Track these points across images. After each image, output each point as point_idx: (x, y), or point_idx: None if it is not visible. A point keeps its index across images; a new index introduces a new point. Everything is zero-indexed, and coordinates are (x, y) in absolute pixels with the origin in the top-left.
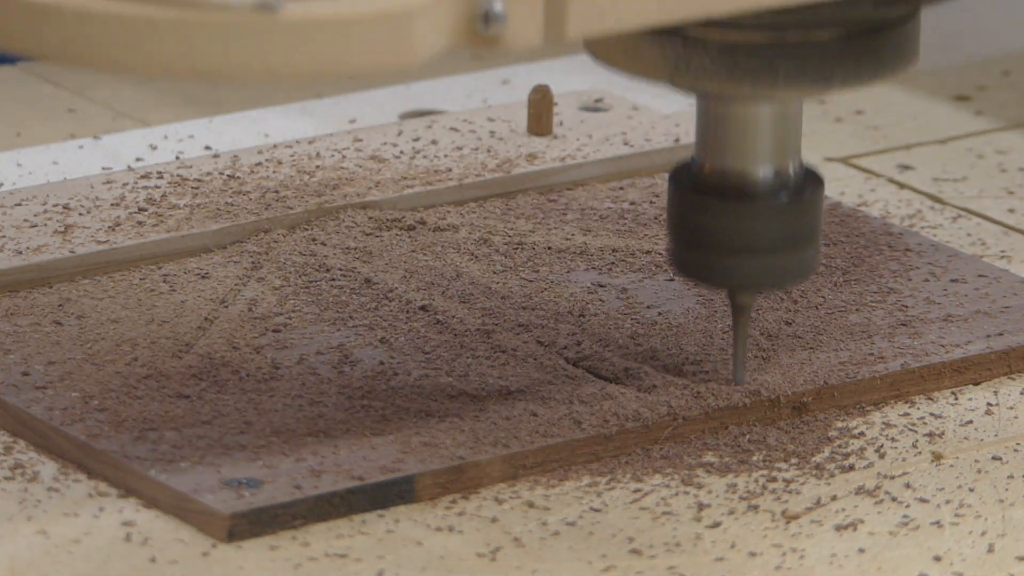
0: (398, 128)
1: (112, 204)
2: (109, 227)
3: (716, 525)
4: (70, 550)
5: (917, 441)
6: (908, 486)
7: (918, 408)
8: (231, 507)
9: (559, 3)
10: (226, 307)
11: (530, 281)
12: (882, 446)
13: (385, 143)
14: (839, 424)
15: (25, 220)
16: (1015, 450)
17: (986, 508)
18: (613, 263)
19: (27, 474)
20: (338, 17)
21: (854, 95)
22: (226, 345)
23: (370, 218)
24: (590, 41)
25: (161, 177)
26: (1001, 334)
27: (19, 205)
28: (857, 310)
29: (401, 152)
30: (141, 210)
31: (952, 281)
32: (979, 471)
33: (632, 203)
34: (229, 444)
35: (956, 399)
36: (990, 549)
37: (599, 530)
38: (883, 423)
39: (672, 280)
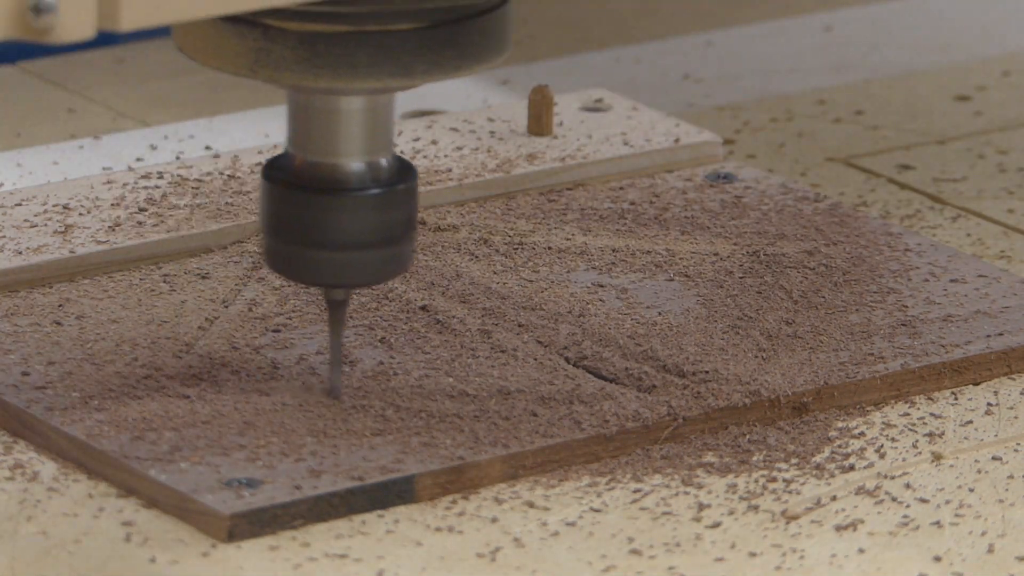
0: (398, 128)
1: (112, 204)
2: (109, 227)
3: (716, 525)
4: (70, 550)
5: (917, 441)
6: (908, 486)
7: (918, 408)
8: (231, 507)
9: None
10: (226, 307)
11: (530, 281)
12: (882, 446)
13: None
14: (839, 424)
15: (25, 220)
16: (1015, 450)
17: (986, 508)
18: (613, 263)
19: (27, 474)
20: None
21: (854, 95)
22: (226, 345)
23: None
24: (177, 35)
25: (161, 177)
26: (1001, 334)
27: (19, 205)
28: (857, 310)
29: (401, 152)
30: (141, 210)
31: (952, 281)
32: (979, 471)
33: (632, 203)
34: (229, 444)
35: (956, 399)
36: (990, 549)
37: (599, 530)
38: (883, 423)
39: (672, 280)
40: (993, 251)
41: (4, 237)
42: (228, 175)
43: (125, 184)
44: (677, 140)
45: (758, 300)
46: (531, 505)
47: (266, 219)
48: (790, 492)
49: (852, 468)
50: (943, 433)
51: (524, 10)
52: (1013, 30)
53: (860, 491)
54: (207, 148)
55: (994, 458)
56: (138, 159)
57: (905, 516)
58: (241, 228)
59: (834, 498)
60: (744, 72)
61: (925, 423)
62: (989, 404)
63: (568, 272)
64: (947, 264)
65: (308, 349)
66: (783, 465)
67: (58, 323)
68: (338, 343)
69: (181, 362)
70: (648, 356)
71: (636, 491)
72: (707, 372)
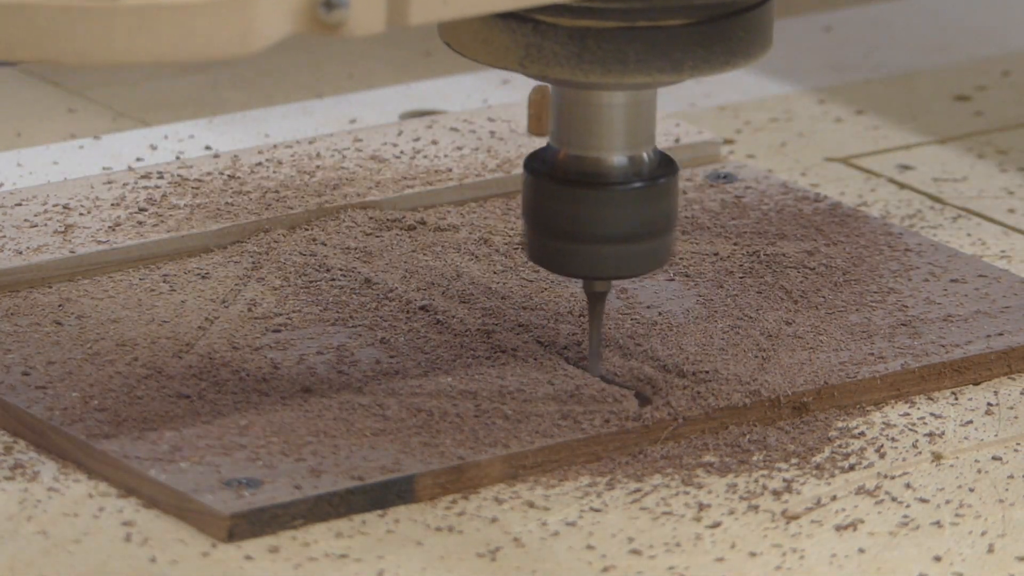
0: (398, 128)
1: (112, 204)
2: (109, 227)
3: (716, 525)
4: (70, 550)
5: (917, 441)
6: (908, 486)
7: (918, 408)
8: (231, 507)
9: None
10: (226, 307)
11: (530, 281)
12: (882, 446)
13: (385, 143)
14: (839, 424)
15: (25, 220)
16: (1015, 450)
17: (986, 508)
18: None
19: (27, 474)
20: (179, 2)
21: (854, 95)
22: (226, 345)
23: (370, 218)
24: (444, 29)
25: (161, 177)
26: (1001, 334)
27: (19, 205)
28: (857, 310)
29: (401, 152)
30: (141, 210)
31: (952, 281)
32: (979, 471)
33: None
34: (229, 444)
35: (956, 399)
36: (990, 549)
37: (599, 530)
38: (883, 423)
39: (672, 280)
40: (993, 251)
41: (4, 237)
42: (228, 175)
43: (125, 184)
44: (677, 140)
45: (758, 300)
46: (531, 505)
47: (528, 212)
48: (790, 492)
49: (852, 468)
50: (943, 433)
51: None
52: (1013, 30)
53: (860, 491)
54: (207, 148)
55: (994, 458)
56: (138, 159)
57: (905, 516)
58: (241, 228)
59: (834, 498)
60: (744, 72)
61: (925, 423)
62: (989, 404)
63: None
64: (947, 264)
65: (308, 349)
66: (783, 465)
67: (58, 323)
68: (597, 335)
69: (181, 362)
70: (648, 356)
71: (636, 491)
72: (707, 372)
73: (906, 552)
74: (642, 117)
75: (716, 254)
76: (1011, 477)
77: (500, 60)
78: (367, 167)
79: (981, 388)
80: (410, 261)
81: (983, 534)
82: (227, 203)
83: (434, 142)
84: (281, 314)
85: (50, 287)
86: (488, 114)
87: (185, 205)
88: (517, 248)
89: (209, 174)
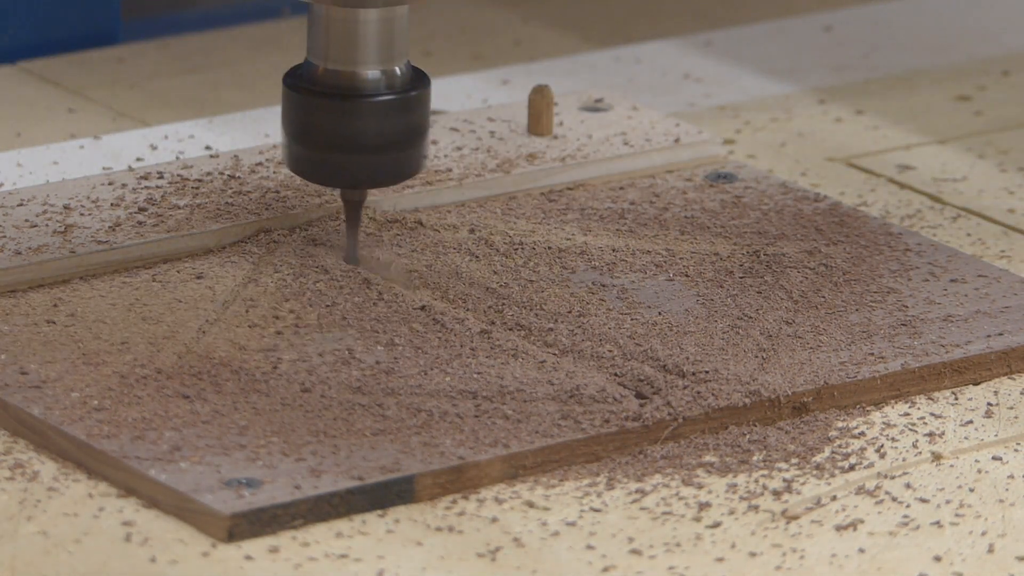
0: None
1: (112, 204)
2: (109, 227)
3: (716, 525)
4: (70, 550)
5: (917, 441)
6: (908, 486)
7: (918, 408)
8: (231, 507)
9: None
10: (226, 307)
11: (530, 281)
12: (882, 446)
13: None
14: (839, 424)
15: (25, 220)
16: (1015, 450)
17: (986, 508)
18: (613, 263)
19: (27, 474)
20: None
21: (854, 95)
22: (226, 345)
23: (370, 218)
24: None
25: (161, 177)
26: (1001, 334)
27: (19, 205)
28: (857, 310)
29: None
30: (141, 210)
31: (952, 281)
32: (979, 471)
33: (632, 203)
34: (229, 444)
35: (956, 399)
36: (990, 549)
37: (599, 530)
38: (883, 423)
39: (672, 280)
40: (993, 251)
41: (4, 237)
42: (228, 175)
43: (125, 184)
44: (677, 140)
45: (758, 300)
46: (531, 505)
47: (287, 124)
48: (790, 492)
49: (852, 468)
50: (943, 433)
51: (524, 10)
52: (1013, 30)
53: (860, 491)
54: (207, 148)
55: (994, 458)
56: (138, 159)
57: (905, 516)
58: (241, 228)
59: (834, 498)
60: (744, 72)
61: (925, 423)
62: (989, 404)
63: (568, 272)
64: (947, 264)
65: (308, 349)
66: (783, 465)
67: (58, 323)
68: (355, 239)
69: (181, 362)
70: (648, 356)
71: (636, 491)
72: (707, 372)
73: (906, 552)
74: (395, 33)
75: (716, 254)
76: (1011, 477)
77: None
78: None
79: (981, 388)
80: (410, 261)
81: (983, 534)
82: (227, 203)
83: (434, 142)
84: (281, 314)
85: (50, 287)
86: (488, 114)
87: (185, 205)
88: (517, 248)
89: (209, 174)
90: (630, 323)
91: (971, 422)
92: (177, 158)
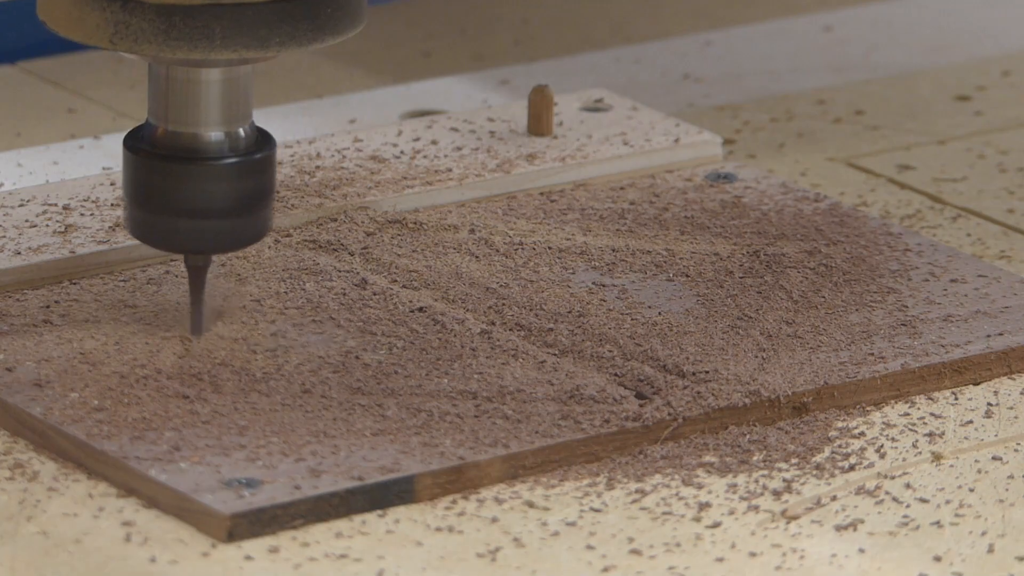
0: (398, 128)
1: (112, 204)
2: (109, 227)
3: (716, 525)
4: (70, 550)
5: (917, 441)
6: (908, 486)
7: (918, 408)
8: (231, 507)
9: None
10: (226, 307)
11: (530, 281)
12: (882, 446)
13: (385, 143)
14: (839, 424)
15: (25, 220)
16: (1015, 450)
17: (986, 508)
18: (613, 263)
19: (27, 474)
20: None
21: (854, 95)
22: (226, 345)
23: (370, 218)
24: (41, 7)
25: None
26: (1001, 334)
27: (19, 205)
28: (857, 310)
29: (401, 152)
30: None
31: (952, 281)
32: (979, 471)
33: (632, 203)
34: (229, 444)
35: (956, 399)
36: (990, 549)
37: (599, 530)
38: (883, 423)
39: (672, 280)
40: (993, 251)
41: (4, 237)
42: None
43: None
44: (677, 140)
45: (758, 300)
46: (531, 505)
47: (128, 188)
48: (790, 492)
49: (852, 468)
50: (943, 433)
51: (524, 10)
52: (1013, 30)
53: (860, 491)
54: None
55: (994, 458)
56: None
57: (905, 516)
58: None
59: (834, 498)
60: (744, 72)
61: (925, 423)
62: (989, 404)
63: (568, 272)
64: (947, 264)
65: (308, 349)
66: (783, 465)
67: (57, 323)
68: (199, 306)
69: (181, 362)
70: (648, 356)
71: (636, 491)
72: (707, 372)
73: (906, 552)
74: (238, 93)
75: (716, 254)
76: (1011, 477)
77: (92, 38)
78: (367, 167)
79: (981, 388)
80: (410, 261)
81: (983, 534)
82: None
83: (434, 142)
84: (281, 314)
85: (50, 287)
86: (488, 114)
87: None
88: (517, 248)
89: None
90: (630, 323)
91: (971, 422)
92: None
